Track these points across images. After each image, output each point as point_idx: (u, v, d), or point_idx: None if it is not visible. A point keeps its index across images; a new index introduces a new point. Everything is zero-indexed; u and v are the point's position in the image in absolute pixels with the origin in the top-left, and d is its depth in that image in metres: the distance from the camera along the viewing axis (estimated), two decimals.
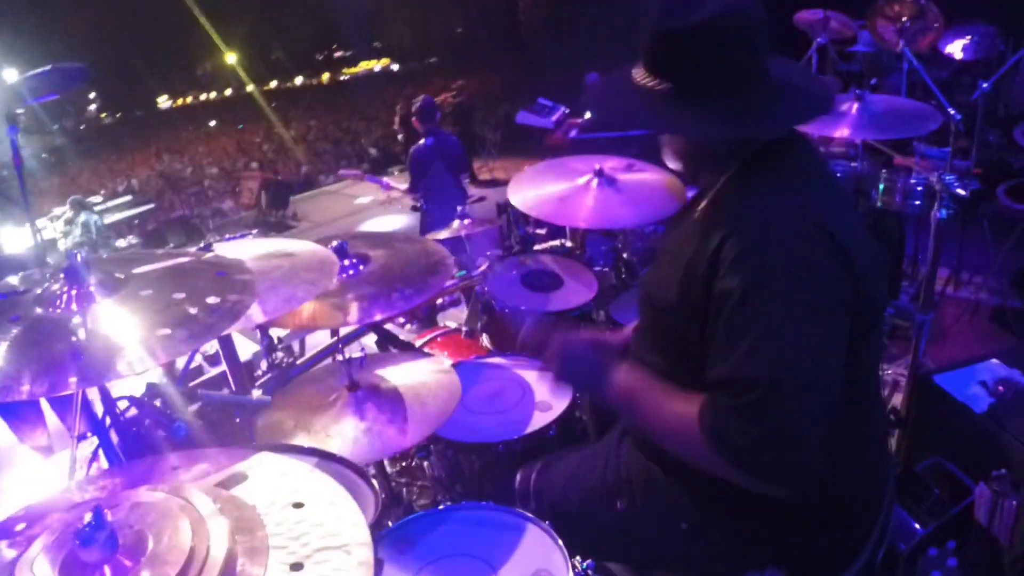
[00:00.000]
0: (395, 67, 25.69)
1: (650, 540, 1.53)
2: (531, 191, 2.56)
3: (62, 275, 1.22)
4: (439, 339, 2.79)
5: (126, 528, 0.90)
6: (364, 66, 26.79)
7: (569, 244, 3.16)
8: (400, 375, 1.95)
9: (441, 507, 1.64)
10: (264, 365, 2.48)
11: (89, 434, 1.60)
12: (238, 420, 1.83)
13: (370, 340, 2.70)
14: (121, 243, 8.51)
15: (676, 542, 1.45)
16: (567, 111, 5.89)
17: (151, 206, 10.30)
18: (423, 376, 1.94)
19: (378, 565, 1.40)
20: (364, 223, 9.31)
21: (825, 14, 4.80)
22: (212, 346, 2.63)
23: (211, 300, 1.23)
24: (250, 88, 21.63)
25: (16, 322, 1.16)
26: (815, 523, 1.35)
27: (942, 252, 2.53)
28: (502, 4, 14.50)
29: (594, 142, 5.17)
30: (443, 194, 5.07)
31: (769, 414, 1.09)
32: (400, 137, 10.40)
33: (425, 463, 2.16)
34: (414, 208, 5.50)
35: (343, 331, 2.58)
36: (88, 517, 0.85)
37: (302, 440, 1.72)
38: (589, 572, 1.44)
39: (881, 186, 3.47)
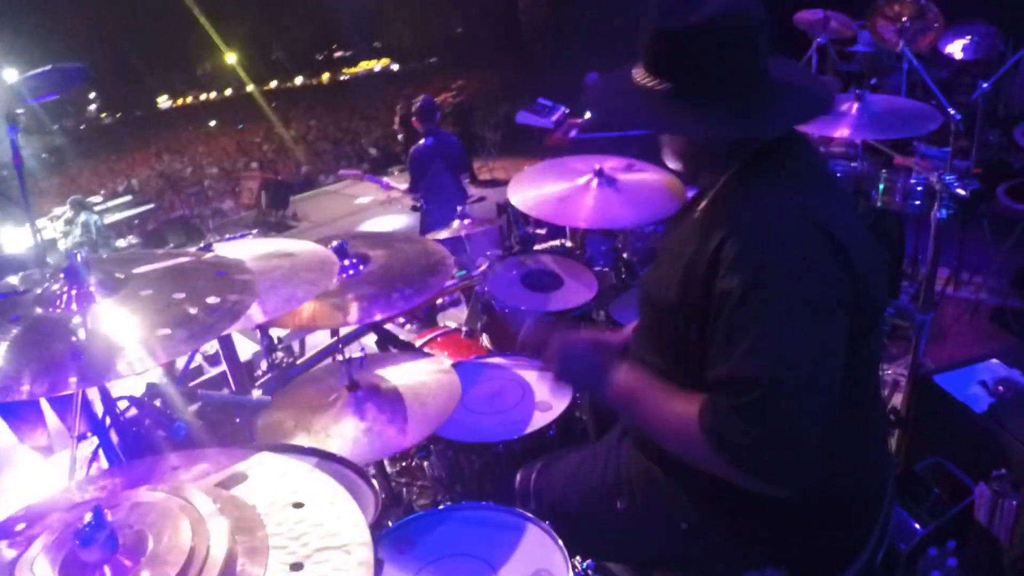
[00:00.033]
0: (395, 67, 25.65)
1: (650, 540, 1.53)
2: (531, 191, 2.56)
3: (62, 275, 1.22)
4: (439, 339, 2.80)
5: (126, 528, 0.90)
6: (364, 66, 26.75)
7: (569, 244, 3.16)
8: (400, 375, 1.95)
9: (441, 507, 1.64)
10: (264, 365, 2.48)
11: (89, 434, 1.60)
12: (238, 420, 1.83)
13: (370, 340, 2.70)
14: (121, 243, 8.50)
15: (676, 542, 1.45)
16: (567, 111, 5.88)
17: (151, 206, 10.28)
18: (423, 376, 1.94)
19: (378, 565, 1.40)
20: (364, 223, 9.31)
21: (825, 14, 4.79)
22: (212, 346, 2.63)
23: (211, 300, 1.23)
24: (250, 88, 21.59)
25: (16, 322, 1.16)
26: (815, 523, 1.35)
27: (942, 252, 2.53)
28: (502, 4, 14.48)
29: (594, 142, 5.16)
30: (443, 194, 5.06)
31: (769, 414, 1.09)
32: (400, 137, 10.40)
33: (425, 463, 2.16)
34: (414, 208, 5.50)
35: (343, 331, 2.58)
36: (88, 517, 0.85)
37: (302, 440, 1.72)
38: (589, 572, 1.44)
39: (881, 186, 3.47)
